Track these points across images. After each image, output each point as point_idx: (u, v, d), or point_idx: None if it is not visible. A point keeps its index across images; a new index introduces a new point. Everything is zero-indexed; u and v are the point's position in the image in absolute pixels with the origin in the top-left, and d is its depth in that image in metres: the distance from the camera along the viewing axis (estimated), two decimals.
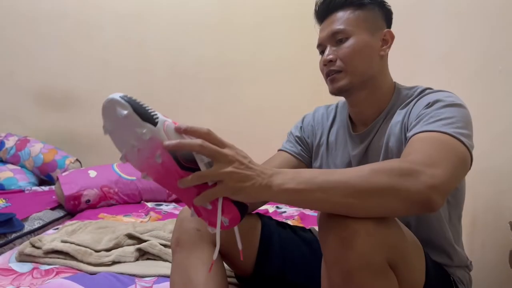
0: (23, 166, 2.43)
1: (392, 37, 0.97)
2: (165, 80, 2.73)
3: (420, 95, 0.91)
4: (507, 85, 1.13)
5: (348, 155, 1.02)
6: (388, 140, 0.92)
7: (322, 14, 0.99)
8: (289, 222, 1.73)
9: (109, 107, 0.67)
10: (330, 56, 0.94)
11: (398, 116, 0.92)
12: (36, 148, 2.43)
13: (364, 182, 0.66)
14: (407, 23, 1.70)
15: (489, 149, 1.20)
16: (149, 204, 2.05)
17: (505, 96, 1.14)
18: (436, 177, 0.67)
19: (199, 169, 0.66)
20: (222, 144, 0.68)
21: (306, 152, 1.12)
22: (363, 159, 0.98)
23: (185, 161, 0.66)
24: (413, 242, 0.78)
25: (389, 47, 0.97)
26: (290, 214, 1.94)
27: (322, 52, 0.99)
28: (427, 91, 0.92)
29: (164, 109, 2.87)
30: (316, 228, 1.14)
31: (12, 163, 2.43)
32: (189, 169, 0.66)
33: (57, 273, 1.13)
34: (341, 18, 0.95)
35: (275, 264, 1.00)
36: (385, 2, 0.99)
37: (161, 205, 2.07)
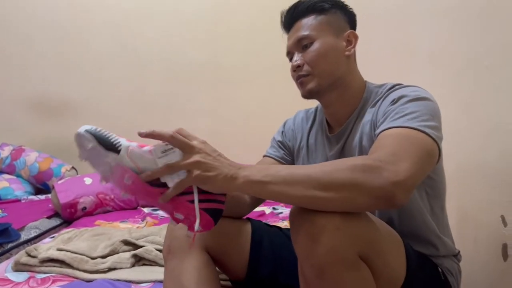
0: (19, 176, 2.43)
1: (356, 37, 1.00)
2: (159, 84, 2.74)
3: (388, 92, 0.93)
4: (494, 80, 1.14)
5: (326, 156, 1.04)
6: (362, 139, 0.94)
7: (288, 23, 1.02)
8: (286, 222, 1.74)
9: (78, 140, 0.75)
10: (298, 62, 0.98)
11: (369, 115, 0.94)
12: (31, 157, 2.43)
13: (327, 176, 0.68)
14: (397, 23, 1.72)
15: (479, 145, 1.21)
16: (146, 210, 2.05)
17: (493, 92, 1.15)
18: (400, 173, 0.68)
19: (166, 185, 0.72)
20: (191, 138, 0.74)
21: (288, 156, 1.14)
22: (340, 158, 0.98)
23: (155, 181, 0.73)
24: (388, 235, 0.79)
25: (354, 47, 1.00)
26: (286, 214, 1.95)
27: (290, 59, 1.02)
28: (396, 87, 0.93)
29: (160, 113, 2.88)
30: None
31: (8, 173, 2.42)
32: (157, 185, 0.72)
33: (53, 282, 1.13)
34: (305, 25, 0.98)
35: (267, 267, 1.01)
36: (347, 5, 1.02)
37: (157, 210, 2.07)
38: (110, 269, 1.19)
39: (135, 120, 2.72)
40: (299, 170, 0.71)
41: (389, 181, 0.67)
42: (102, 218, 1.86)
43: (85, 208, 1.95)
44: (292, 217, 0.74)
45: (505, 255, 1.09)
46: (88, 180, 2.06)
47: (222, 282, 1.04)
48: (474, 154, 1.24)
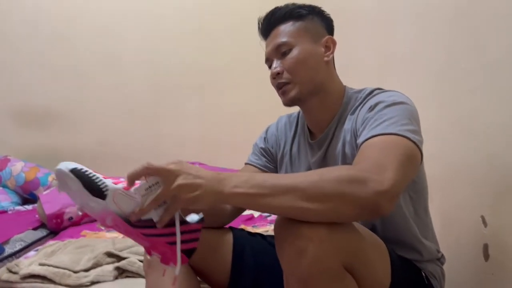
0: (5, 186, 2.41)
1: (334, 43, 1.00)
2: (145, 91, 2.73)
3: (366, 98, 0.93)
4: (471, 82, 1.15)
5: (308, 163, 1.04)
6: (344, 147, 0.94)
7: (266, 30, 1.02)
8: (273, 226, 1.74)
9: (60, 177, 0.69)
10: (277, 69, 0.97)
11: (349, 122, 0.94)
12: (17, 167, 2.41)
13: (313, 187, 0.68)
14: (376, 27, 1.72)
15: (459, 147, 1.22)
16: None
17: (469, 94, 1.15)
18: (384, 183, 0.69)
19: (149, 225, 0.70)
20: (165, 164, 0.71)
21: (271, 163, 1.13)
22: (322, 165, 0.99)
23: (135, 221, 0.70)
24: (372, 243, 0.79)
25: (332, 52, 1.00)
26: (275, 217, 1.95)
27: (270, 66, 1.02)
28: (374, 92, 0.94)
29: (146, 120, 2.86)
30: None
31: None
32: (138, 227, 0.70)
33: None
34: (283, 31, 0.98)
35: (249, 276, 1.01)
36: (324, 11, 1.03)
37: None
38: (93, 283, 1.19)
39: (120, 128, 2.71)
40: (285, 180, 0.71)
41: (374, 191, 0.68)
42: (88, 228, 1.85)
43: (71, 218, 1.94)
44: (277, 229, 0.73)
45: (486, 255, 1.10)
46: None
47: None
48: (455, 156, 1.24)
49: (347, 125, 0.94)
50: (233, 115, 2.77)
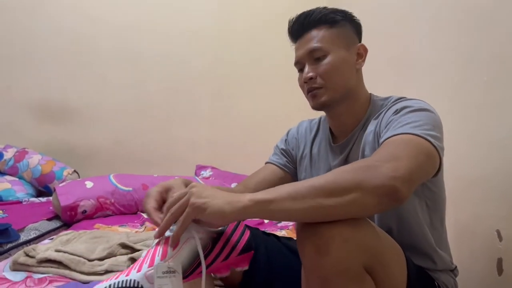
0: (21, 178, 2.45)
1: (366, 50, 1.03)
2: (160, 93, 2.77)
3: (392, 104, 0.95)
4: (492, 95, 1.16)
5: (329, 166, 1.06)
6: (364, 149, 0.96)
7: (297, 33, 1.03)
8: (284, 232, 1.75)
9: None
10: (311, 74, 0.99)
11: (372, 126, 0.96)
12: (34, 160, 2.45)
13: (330, 183, 0.69)
14: (396, 36, 1.74)
15: (476, 159, 1.22)
16: (145, 215, 2.06)
17: (490, 106, 1.16)
18: (398, 169, 0.70)
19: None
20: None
21: (291, 164, 1.16)
22: None
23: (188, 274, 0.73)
24: (391, 246, 0.80)
25: (364, 60, 1.02)
26: (285, 224, 1.95)
27: (300, 70, 1.03)
28: (401, 99, 0.96)
29: (159, 121, 2.91)
30: None
31: (11, 175, 2.45)
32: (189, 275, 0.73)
33: (50, 282, 1.14)
34: (317, 37, 0.99)
35: (262, 274, 1.02)
36: (355, 17, 1.04)
37: None
38: (107, 272, 1.20)
39: (135, 128, 2.75)
40: (302, 183, 0.72)
41: (388, 176, 0.68)
42: (101, 222, 1.87)
43: (85, 211, 1.97)
44: (299, 228, 0.74)
45: (500, 270, 1.09)
46: (89, 184, 2.07)
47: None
48: (471, 168, 1.25)
49: (369, 128, 0.96)
50: (245, 121, 2.80)
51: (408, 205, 0.92)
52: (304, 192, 0.69)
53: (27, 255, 1.25)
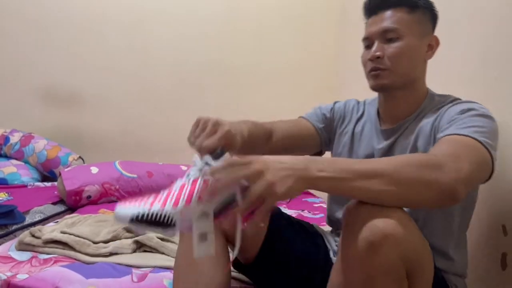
0: (26, 162, 2.46)
1: (438, 43, 1.01)
2: (168, 81, 2.76)
3: (453, 103, 0.95)
4: (503, 91, 1.15)
5: (371, 148, 1.05)
6: (417, 140, 0.96)
7: (374, 8, 1.00)
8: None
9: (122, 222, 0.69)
10: (378, 53, 0.96)
11: (430, 118, 0.96)
12: (40, 145, 2.46)
13: (399, 172, 0.69)
14: None
15: None
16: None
17: (501, 103, 1.15)
18: (462, 171, 0.72)
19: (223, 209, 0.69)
20: (246, 161, 0.68)
21: (326, 132, 1.16)
22: (387, 153, 1.01)
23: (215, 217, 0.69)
24: (430, 253, 0.77)
25: (434, 53, 1.01)
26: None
27: (367, 46, 1.01)
28: (459, 100, 0.97)
29: (166, 111, 2.89)
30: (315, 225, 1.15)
31: (16, 159, 2.46)
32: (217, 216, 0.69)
33: (55, 262, 1.16)
34: (394, 17, 0.96)
35: (278, 256, 1.00)
36: (434, 6, 1.01)
37: None
38: (112, 254, 1.21)
39: (141, 116, 2.75)
40: (369, 165, 0.71)
41: (452, 177, 0.70)
42: (106, 207, 1.88)
43: (90, 196, 1.98)
44: (348, 219, 0.73)
45: (504, 265, 1.09)
46: (94, 169, 2.08)
47: None
48: None
49: (426, 120, 0.96)
50: (252, 112, 2.76)
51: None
52: (373, 175, 0.69)
53: (33, 235, 1.26)
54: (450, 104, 0.95)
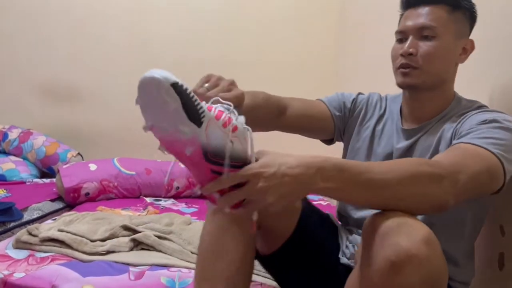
0: (25, 158, 2.46)
1: (473, 47, 0.98)
2: None
3: (478, 110, 0.93)
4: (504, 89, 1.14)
5: (391, 146, 1.03)
6: (439, 143, 0.94)
7: (413, 2, 0.96)
8: None
9: (152, 88, 0.60)
10: (412, 50, 0.93)
11: (453, 123, 0.94)
12: (39, 141, 2.46)
13: (403, 187, 0.70)
14: None
15: None
16: (148, 199, 2.07)
17: (499, 99, 1.15)
18: (458, 182, 0.73)
19: (221, 163, 0.63)
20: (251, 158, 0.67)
21: (340, 122, 1.12)
22: (407, 154, 1.00)
23: (212, 155, 0.63)
24: (447, 271, 0.74)
25: (467, 57, 0.98)
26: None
27: (400, 40, 0.98)
28: (485, 108, 0.95)
29: None
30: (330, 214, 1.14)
31: (15, 155, 2.46)
32: (214, 163, 0.63)
33: (52, 260, 1.16)
34: (433, 14, 0.93)
35: (305, 247, 0.99)
36: (475, 9, 0.97)
37: (159, 200, 2.09)
38: (109, 252, 1.21)
39: (140, 112, 2.74)
40: (375, 175, 0.70)
41: (448, 192, 0.71)
42: (104, 205, 1.88)
43: (88, 193, 1.98)
44: (368, 231, 0.71)
45: (501, 264, 1.09)
46: (93, 166, 2.08)
47: None
48: None
49: (449, 125, 0.94)
50: None
51: (458, 213, 0.90)
52: (378, 187, 0.70)
53: (30, 233, 1.26)
54: (475, 112, 0.92)
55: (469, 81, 1.11)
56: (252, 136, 0.66)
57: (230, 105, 0.67)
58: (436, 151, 0.94)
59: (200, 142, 0.61)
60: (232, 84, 0.85)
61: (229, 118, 0.64)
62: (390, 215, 0.69)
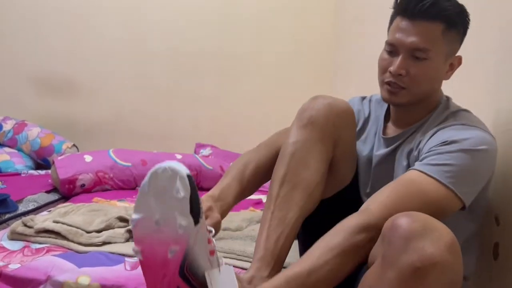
0: (20, 150, 2.45)
1: (460, 63, 0.98)
2: (163, 69, 2.75)
3: (449, 126, 0.92)
4: (498, 78, 1.14)
5: (371, 154, 1.06)
6: (410, 153, 0.97)
7: (411, 13, 0.91)
8: None
9: (168, 174, 0.62)
10: (403, 71, 0.92)
11: (425, 136, 0.95)
12: (33, 132, 2.45)
13: (331, 266, 0.76)
14: None
15: None
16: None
17: (495, 92, 1.14)
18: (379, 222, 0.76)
19: (194, 285, 0.65)
20: None
21: None
22: (386, 160, 1.02)
23: (189, 272, 0.64)
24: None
25: (453, 73, 0.98)
26: None
27: (390, 53, 0.95)
28: (456, 123, 0.92)
29: (163, 100, 2.90)
30: None
31: (9, 147, 2.45)
32: (186, 280, 0.64)
33: (48, 251, 1.15)
34: (427, 34, 0.90)
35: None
36: (469, 24, 0.96)
37: None
38: (105, 243, 1.21)
39: (136, 104, 2.73)
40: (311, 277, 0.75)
41: (374, 241, 0.77)
42: (100, 196, 1.88)
43: (83, 185, 1.97)
44: (391, 233, 0.69)
45: (495, 254, 1.10)
46: (88, 158, 2.07)
47: None
48: None
49: (423, 136, 0.95)
50: (248, 101, 2.79)
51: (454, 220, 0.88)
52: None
53: (25, 225, 1.25)
54: (446, 127, 0.92)
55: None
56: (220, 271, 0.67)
57: (212, 231, 0.71)
58: (414, 159, 0.95)
59: (187, 243, 0.62)
60: (209, 209, 0.89)
61: (209, 239, 0.68)
62: (415, 216, 0.68)
